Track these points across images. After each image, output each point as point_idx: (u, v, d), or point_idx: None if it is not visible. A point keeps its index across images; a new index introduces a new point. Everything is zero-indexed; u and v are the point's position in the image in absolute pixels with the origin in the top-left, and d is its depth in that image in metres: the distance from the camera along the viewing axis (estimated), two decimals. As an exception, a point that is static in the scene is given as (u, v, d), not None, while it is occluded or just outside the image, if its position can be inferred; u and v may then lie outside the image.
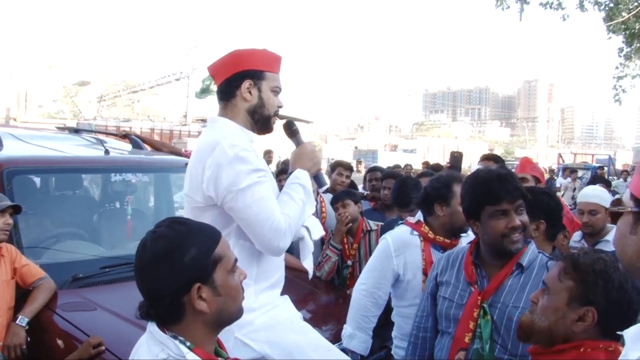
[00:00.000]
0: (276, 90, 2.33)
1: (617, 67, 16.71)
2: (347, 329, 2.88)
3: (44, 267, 3.07)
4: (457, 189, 2.73)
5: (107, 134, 5.57)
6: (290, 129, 2.47)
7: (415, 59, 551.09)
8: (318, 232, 2.41)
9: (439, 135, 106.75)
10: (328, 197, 4.57)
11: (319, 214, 4.32)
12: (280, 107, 2.36)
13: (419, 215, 2.99)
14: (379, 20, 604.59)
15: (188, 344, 1.46)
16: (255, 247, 2.15)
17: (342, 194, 4.28)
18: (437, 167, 8.23)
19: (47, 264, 3.14)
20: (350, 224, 4.08)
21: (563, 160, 24.88)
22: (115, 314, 2.79)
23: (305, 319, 3.28)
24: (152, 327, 1.51)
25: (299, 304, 3.62)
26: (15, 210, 2.94)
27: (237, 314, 1.58)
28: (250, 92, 2.26)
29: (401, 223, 3.05)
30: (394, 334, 2.96)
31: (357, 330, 2.86)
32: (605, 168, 21.99)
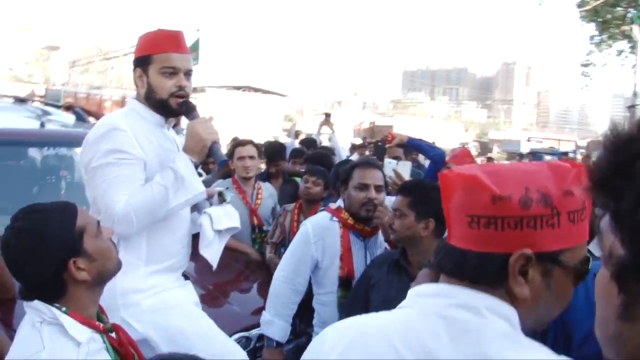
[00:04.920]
0: (168, 71, 2.21)
1: (587, 54, 16.91)
2: (265, 316, 2.85)
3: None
4: (357, 173, 2.82)
5: (53, 106, 5.43)
6: (187, 106, 2.30)
7: (395, 36, 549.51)
8: (226, 222, 2.37)
9: (416, 114, 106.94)
10: (266, 186, 4.43)
11: (254, 200, 4.23)
12: (181, 86, 2.23)
13: (340, 202, 2.98)
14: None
15: (64, 309, 1.56)
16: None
17: (320, 171, 4.03)
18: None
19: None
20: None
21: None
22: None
23: (231, 301, 3.29)
24: (29, 304, 1.58)
25: (228, 285, 3.64)
26: None
27: (116, 268, 1.70)
28: (141, 80, 2.23)
29: (322, 209, 3.03)
30: (314, 321, 2.95)
31: (275, 317, 2.83)
32: (571, 154, 22.28)
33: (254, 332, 2.94)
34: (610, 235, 0.76)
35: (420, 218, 2.42)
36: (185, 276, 3.13)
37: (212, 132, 2.25)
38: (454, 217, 1.04)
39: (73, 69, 47.73)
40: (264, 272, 3.80)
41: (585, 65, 16.40)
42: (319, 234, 2.85)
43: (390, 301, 2.35)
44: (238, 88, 42.92)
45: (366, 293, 2.58)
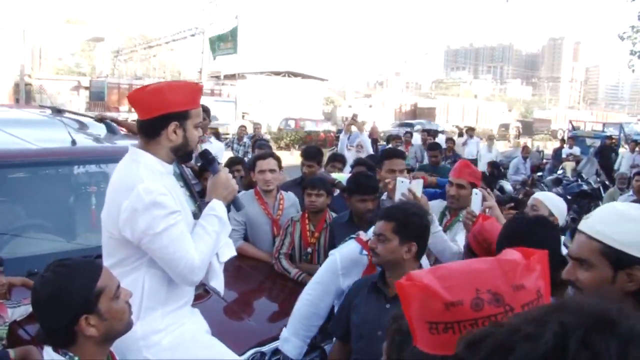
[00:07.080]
0: (199, 125, 2.40)
1: (632, 29, 16.30)
2: (284, 332, 2.95)
3: (-2, 262, 3.14)
4: None
5: (86, 116, 5.63)
6: (207, 158, 2.58)
7: (437, 14, 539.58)
8: (228, 253, 2.51)
9: (459, 94, 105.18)
10: (288, 195, 4.50)
11: (275, 211, 4.34)
12: (200, 136, 2.45)
13: (371, 233, 3.00)
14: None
15: (76, 358, 1.73)
16: (164, 275, 2.29)
17: (319, 181, 4.16)
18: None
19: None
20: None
21: (573, 128, 23.99)
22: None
23: (249, 315, 3.42)
24: (47, 348, 1.77)
25: (251, 294, 3.78)
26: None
27: (125, 329, 1.86)
28: (175, 133, 2.31)
29: (352, 238, 3.05)
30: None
31: (293, 336, 2.92)
32: (615, 136, 21.20)
33: (270, 346, 3.04)
34: None
35: (404, 242, 2.50)
36: (207, 291, 3.29)
37: (236, 184, 2.54)
38: (416, 324, 1.09)
39: (117, 58, 48.63)
40: (283, 283, 3.92)
41: (635, 43, 15.79)
42: (347, 267, 2.93)
43: (368, 322, 2.48)
44: (278, 74, 43.11)
45: (348, 314, 2.70)
